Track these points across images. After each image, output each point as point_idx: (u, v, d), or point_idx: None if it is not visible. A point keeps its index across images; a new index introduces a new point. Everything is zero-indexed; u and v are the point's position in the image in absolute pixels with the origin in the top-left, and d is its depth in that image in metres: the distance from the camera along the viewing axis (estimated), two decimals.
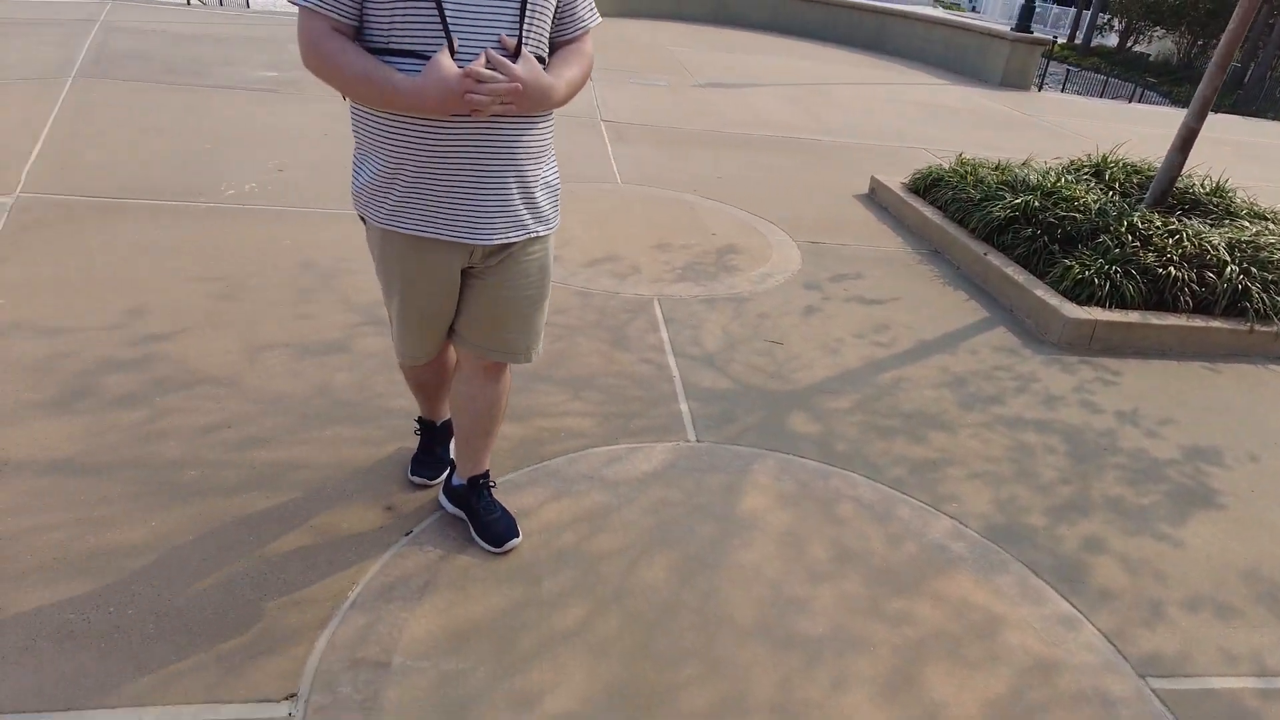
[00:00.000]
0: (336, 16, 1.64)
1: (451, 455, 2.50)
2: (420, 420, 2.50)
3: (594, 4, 1.90)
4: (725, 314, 3.82)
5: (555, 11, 1.79)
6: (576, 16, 1.85)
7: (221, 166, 4.92)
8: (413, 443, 2.59)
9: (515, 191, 1.83)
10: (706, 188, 5.73)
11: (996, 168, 5.56)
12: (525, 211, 1.87)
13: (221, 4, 14.03)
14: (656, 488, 2.59)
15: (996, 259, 4.56)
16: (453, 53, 1.62)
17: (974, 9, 43.54)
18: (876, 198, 5.99)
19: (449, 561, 2.21)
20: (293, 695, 1.80)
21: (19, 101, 5.76)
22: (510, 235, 1.87)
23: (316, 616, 2.00)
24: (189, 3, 12.37)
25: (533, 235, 1.92)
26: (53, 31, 8.14)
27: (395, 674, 1.87)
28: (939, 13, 16.53)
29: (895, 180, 5.94)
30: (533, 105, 1.72)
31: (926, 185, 5.64)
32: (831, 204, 5.75)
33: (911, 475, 2.85)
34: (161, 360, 2.96)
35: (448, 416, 2.51)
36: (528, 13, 1.68)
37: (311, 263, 3.83)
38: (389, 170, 1.77)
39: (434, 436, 2.51)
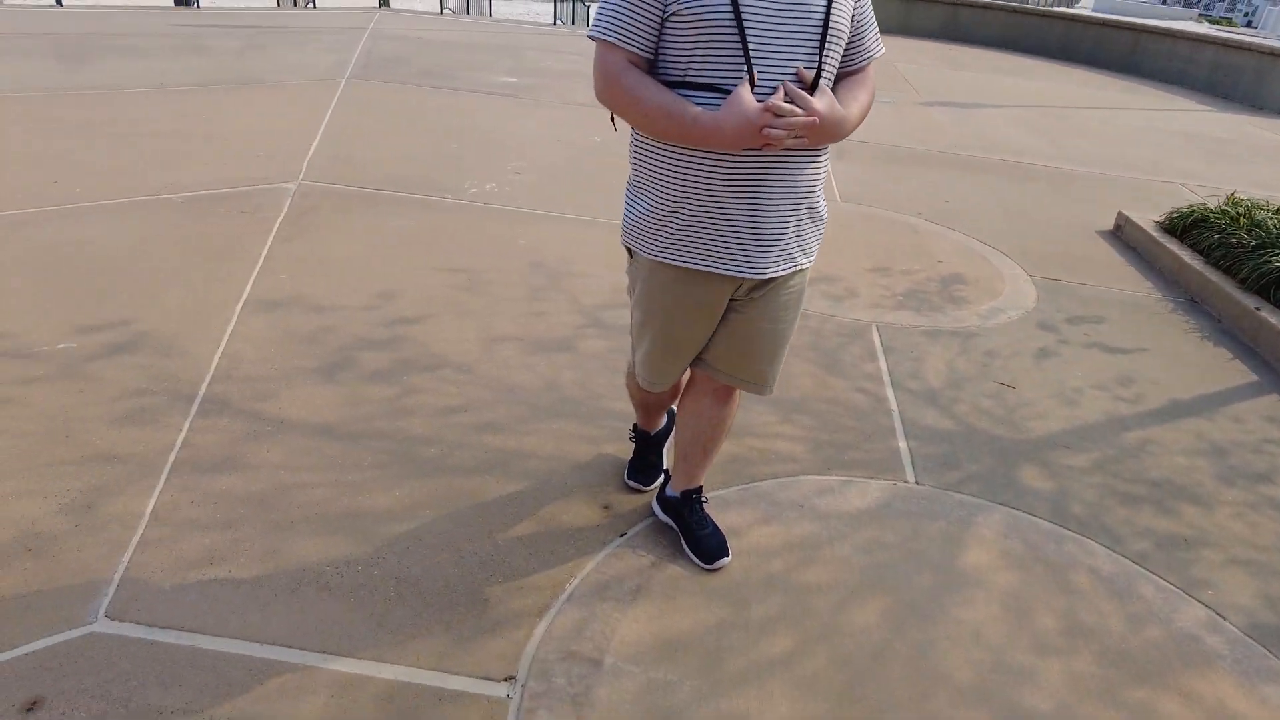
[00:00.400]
0: (635, 50, 1.66)
1: (666, 463, 2.54)
2: (636, 429, 2.56)
3: (879, 34, 1.85)
4: (950, 348, 3.63)
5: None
6: (864, 47, 1.81)
7: (466, 165, 5.33)
8: (630, 446, 2.66)
9: (793, 224, 1.82)
10: (931, 211, 5.47)
11: (1279, 211, 4.88)
12: (796, 244, 1.86)
13: (469, 12, 15.24)
14: (870, 527, 2.49)
15: (1272, 316, 4.00)
16: (752, 84, 1.62)
17: (1249, 24, 38.59)
18: (1123, 235, 5.46)
19: (660, 569, 2.24)
20: (511, 678, 1.90)
21: (304, 99, 6.54)
22: (781, 268, 1.86)
23: (536, 604, 2.10)
24: (441, 12, 13.56)
25: (798, 268, 1.91)
26: (332, 39, 9.18)
27: (606, 673, 1.92)
28: (1206, 29, 14.83)
29: (1147, 218, 5.38)
30: (825, 138, 1.70)
31: (1185, 226, 5.06)
32: (1071, 238, 5.30)
33: (1158, 551, 2.56)
34: (409, 342, 3.24)
35: (662, 426, 2.56)
36: (827, 45, 1.66)
37: (541, 263, 4.05)
38: (670, 203, 1.78)
39: (649, 445, 2.56)
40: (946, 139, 7.58)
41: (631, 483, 2.53)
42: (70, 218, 4.10)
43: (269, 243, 3.96)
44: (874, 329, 3.72)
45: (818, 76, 1.67)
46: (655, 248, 1.85)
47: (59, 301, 3.32)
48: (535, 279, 3.88)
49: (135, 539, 2.21)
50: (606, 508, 2.46)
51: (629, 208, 1.90)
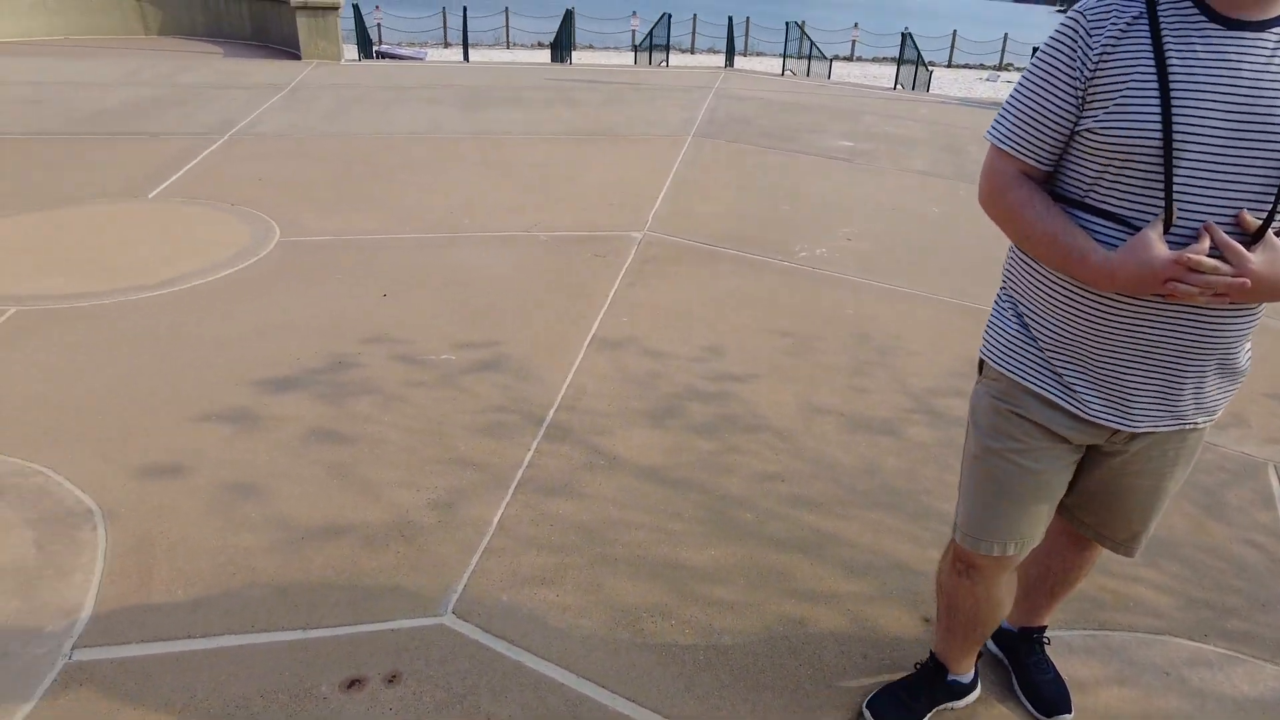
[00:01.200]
0: (1031, 162, 1.44)
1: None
2: (932, 658, 1.97)
3: None
4: None
5: None
6: None
7: (798, 227, 5.37)
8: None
9: (1191, 381, 1.47)
10: None
11: None
12: (1192, 402, 1.50)
13: (809, 75, 15.59)
14: None
15: None
16: (1168, 224, 1.31)
17: None
18: None
19: (986, 706, 2.01)
20: None
21: (653, 153, 7.06)
22: (1162, 425, 1.52)
23: (845, 705, 1.98)
24: (783, 73, 14.01)
25: (1193, 427, 1.54)
26: (681, 96, 9.85)
27: None
28: None
29: None
30: (1256, 299, 1.37)
31: None
32: None
33: None
34: (733, 399, 3.29)
35: (968, 678, 1.97)
36: None
37: (868, 335, 3.93)
38: (1039, 328, 1.53)
39: (934, 685, 1.95)
40: None
41: (868, 713, 1.94)
42: (462, 244, 4.77)
43: (615, 286, 4.28)
44: (1271, 470, 3.09)
45: (1267, 223, 1.30)
46: (1015, 366, 1.57)
47: (447, 317, 3.86)
48: (861, 351, 3.77)
49: (483, 545, 2.45)
50: (927, 620, 2.27)
51: (995, 315, 1.66)
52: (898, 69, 16.73)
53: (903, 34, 16.44)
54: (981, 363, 1.69)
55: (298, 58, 11.12)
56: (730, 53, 16.99)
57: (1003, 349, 1.60)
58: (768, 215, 5.58)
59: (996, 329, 1.63)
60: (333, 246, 4.66)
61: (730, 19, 17.44)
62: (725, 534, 2.54)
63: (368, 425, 3.00)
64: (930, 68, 17.34)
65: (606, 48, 27.13)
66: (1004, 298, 1.64)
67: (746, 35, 26.98)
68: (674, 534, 2.53)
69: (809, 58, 17.11)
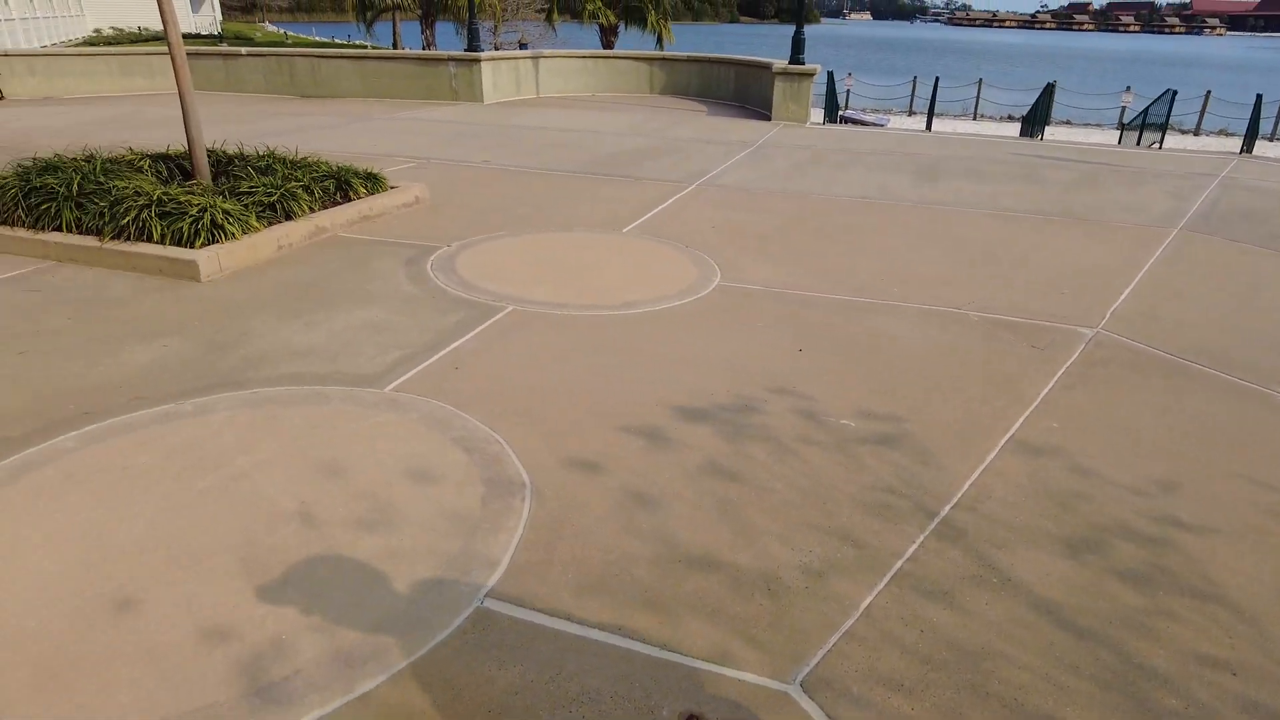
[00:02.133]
0: None
1: None
2: None
3: None
4: None
5: None
6: None
7: None
8: None
9: None
10: None
11: None
12: None
13: None
14: None
15: None
16: None
17: None
18: None
19: None
20: None
21: (1124, 244, 6.20)
22: None
23: None
24: None
25: None
26: (1172, 183, 8.51)
27: None
28: None
29: None
30: None
31: None
32: None
33: None
34: (1179, 551, 2.70)
35: None
36: None
37: None
38: None
39: None
40: None
41: None
42: (885, 312, 4.69)
43: (1049, 385, 3.83)
44: None
45: None
46: None
47: (854, 382, 3.81)
48: None
49: (846, 626, 2.35)
50: None
51: None
52: None
53: None
54: None
55: (768, 118, 12.03)
56: (1251, 136, 14.23)
57: None
58: (1270, 335, 4.52)
59: None
60: (763, 296, 4.91)
61: (1259, 97, 14.61)
62: (1134, 713, 2.08)
63: (759, 471, 3.08)
64: None
65: (1086, 124, 24.69)
66: None
67: (1278, 118, 22.35)
68: (1066, 690, 2.15)
69: None
